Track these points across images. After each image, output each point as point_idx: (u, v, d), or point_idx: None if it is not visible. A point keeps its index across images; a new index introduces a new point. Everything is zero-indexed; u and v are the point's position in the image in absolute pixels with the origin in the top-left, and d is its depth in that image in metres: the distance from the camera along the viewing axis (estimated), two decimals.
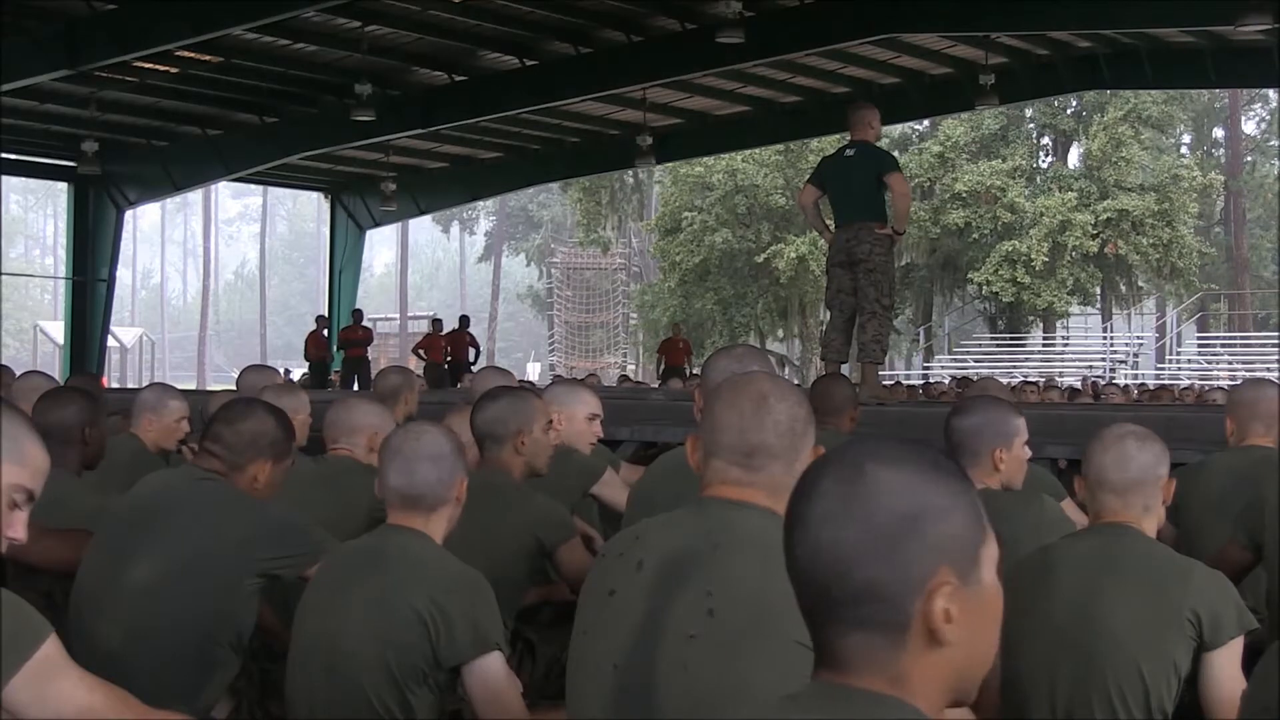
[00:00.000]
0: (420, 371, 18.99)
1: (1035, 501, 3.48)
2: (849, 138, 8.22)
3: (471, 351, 20.61)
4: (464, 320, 21.27)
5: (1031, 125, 33.44)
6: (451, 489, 2.85)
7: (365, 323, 21.94)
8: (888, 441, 1.42)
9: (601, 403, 4.53)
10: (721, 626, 2.08)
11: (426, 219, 40.93)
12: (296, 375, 22.24)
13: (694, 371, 18.84)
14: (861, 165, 7.87)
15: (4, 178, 24.74)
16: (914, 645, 1.33)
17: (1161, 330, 33.52)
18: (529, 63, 16.39)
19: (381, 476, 2.86)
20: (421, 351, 20.81)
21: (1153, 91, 28.36)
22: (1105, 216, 29.92)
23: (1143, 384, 22.00)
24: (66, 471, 3.72)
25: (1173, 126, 35.24)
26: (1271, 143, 41.33)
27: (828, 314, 8.28)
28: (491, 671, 2.68)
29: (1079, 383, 20.52)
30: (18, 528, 2.10)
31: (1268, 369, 24.80)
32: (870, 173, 7.83)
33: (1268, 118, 42.42)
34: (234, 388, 6.08)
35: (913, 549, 1.33)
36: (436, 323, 22.03)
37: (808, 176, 8.51)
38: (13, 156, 21.08)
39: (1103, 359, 30.87)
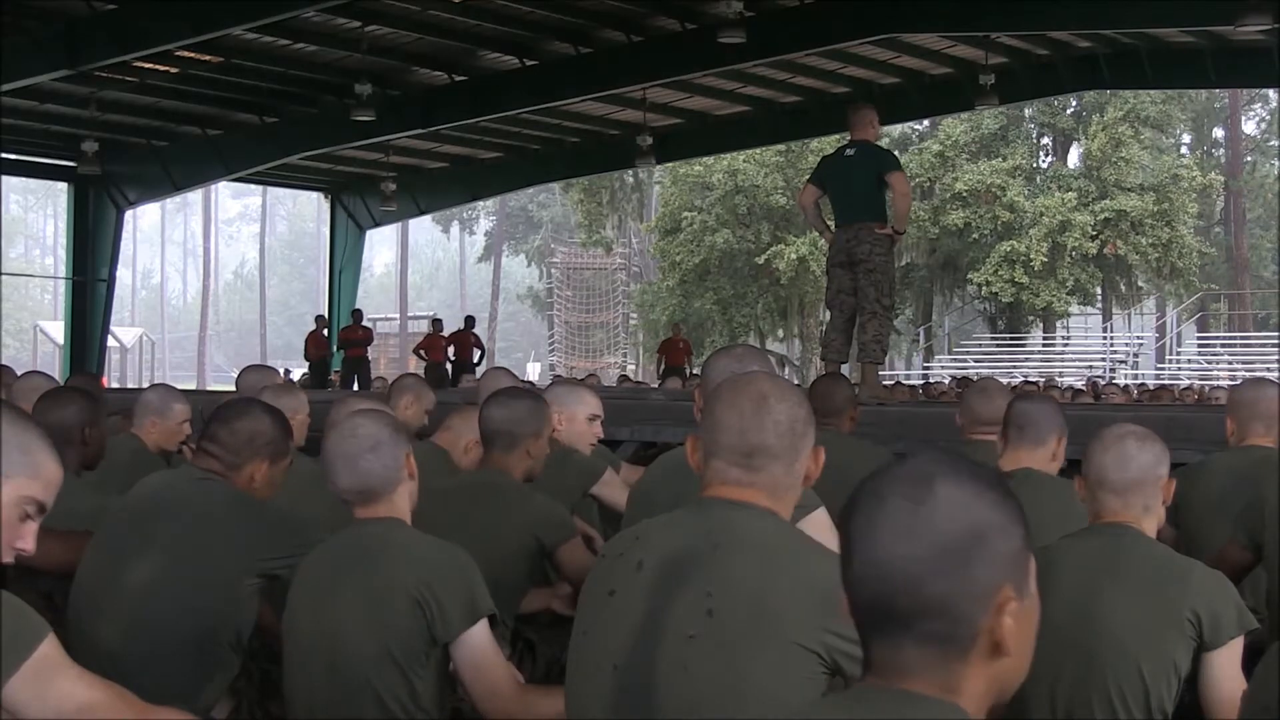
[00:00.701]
0: (421, 371, 18.98)
1: (1069, 486, 3.55)
2: (849, 137, 8.21)
3: (476, 352, 20.61)
4: (469, 321, 21.27)
5: (1031, 125, 33.43)
6: (400, 469, 2.86)
7: (365, 323, 21.94)
8: (947, 458, 1.45)
9: (602, 403, 4.54)
10: (721, 627, 2.08)
11: (426, 219, 40.91)
12: (296, 375, 22.24)
13: (694, 371, 18.84)
14: (862, 165, 7.86)
15: (4, 178, 24.75)
16: (975, 658, 1.38)
17: (1161, 330, 33.50)
18: (529, 63, 16.38)
19: (330, 480, 2.88)
20: (422, 352, 20.81)
21: (1152, 91, 28.35)
22: (1104, 216, 29.91)
23: (1142, 384, 22.00)
24: (66, 472, 3.71)
25: (1172, 126, 35.21)
26: (1271, 143, 41.33)
27: (828, 314, 8.27)
28: (478, 641, 2.71)
29: (1081, 383, 20.52)
30: (28, 539, 2.12)
31: (1268, 369, 24.78)
32: (871, 172, 7.82)
33: (1268, 118, 42.42)
34: (234, 388, 6.06)
35: (982, 566, 1.37)
36: (437, 322, 22.03)
37: (808, 176, 8.48)
38: (13, 156, 21.07)
39: (1103, 359, 30.86)
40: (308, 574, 2.87)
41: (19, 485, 2.11)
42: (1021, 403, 3.88)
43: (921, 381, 22.10)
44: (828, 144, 21.95)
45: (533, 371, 39.74)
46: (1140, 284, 33.11)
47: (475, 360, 20.41)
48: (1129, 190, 30.39)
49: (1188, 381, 23.94)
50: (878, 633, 1.39)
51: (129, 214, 23.68)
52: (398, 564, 2.72)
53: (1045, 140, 34.49)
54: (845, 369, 8.11)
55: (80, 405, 3.88)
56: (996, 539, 1.38)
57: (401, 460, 2.87)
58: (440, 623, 2.68)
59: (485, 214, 55.81)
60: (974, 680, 1.39)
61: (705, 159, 28.65)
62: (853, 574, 1.40)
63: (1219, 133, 42.94)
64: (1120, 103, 30.31)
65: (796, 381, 22.34)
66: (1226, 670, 2.74)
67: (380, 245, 65.30)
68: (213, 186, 45.18)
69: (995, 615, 1.37)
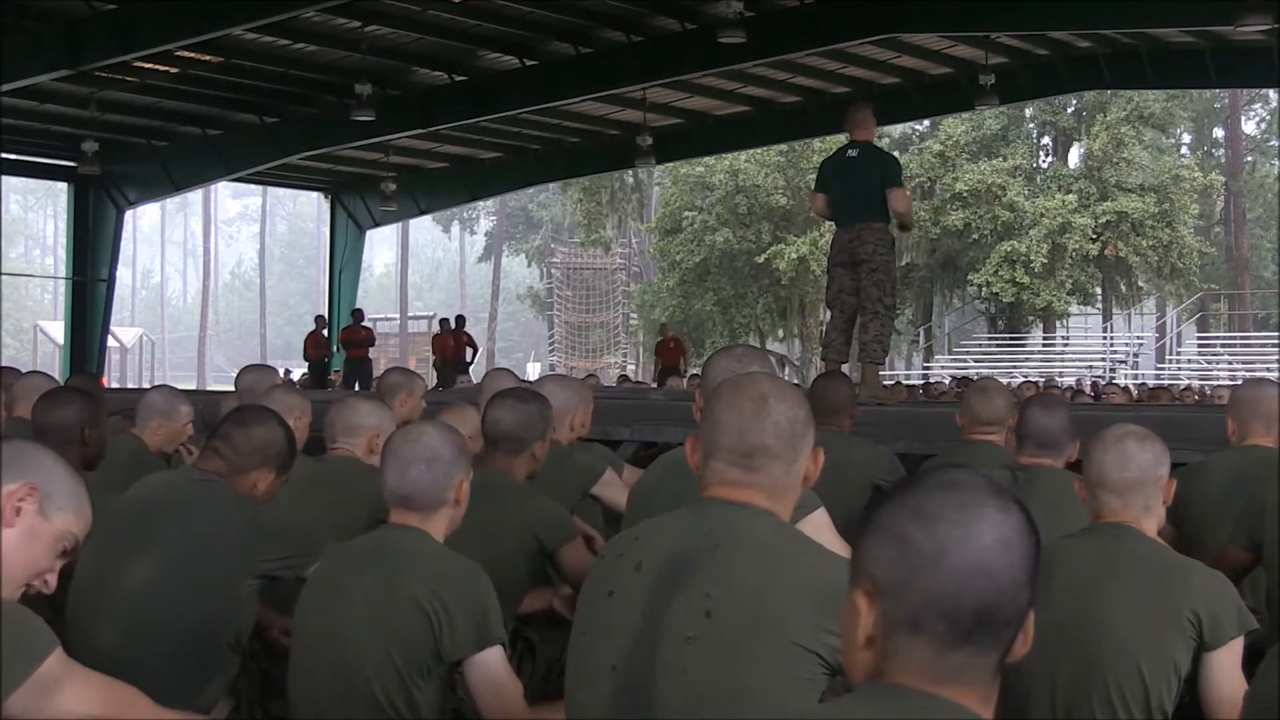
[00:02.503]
0: (424, 371, 18.96)
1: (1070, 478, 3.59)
2: (849, 137, 8.20)
3: (469, 351, 20.62)
4: (460, 320, 21.26)
5: (1032, 125, 33.40)
6: (447, 490, 2.85)
7: (365, 323, 21.93)
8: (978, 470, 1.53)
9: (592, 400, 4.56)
10: (720, 628, 2.08)
11: (426, 219, 40.89)
12: (296, 375, 22.23)
13: (693, 371, 18.84)
14: (865, 166, 7.86)
15: (4, 178, 24.74)
16: (1001, 666, 1.44)
17: (1161, 330, 33.50)
18: (529, 63, 16.38)
19: (381, 476, 2.89)
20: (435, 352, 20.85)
21: (1153, 91, 28.35)
22: (1105, 219, 29.89)
23: (1142, 384, 21.98)
24: None
25: (1173, 126, 35.17)
26: (1271, 143, 41.31)
27: (828, 314, 8.26)
28: (493, 666, 2.69)
29: (1086, 383, 20.49)
30: (54, 575, 2.25)
31: (1268, 369, 24.78)
32: (874, 174, 7.83)
33: (1268, 118, 42.40)
34: (233, 388, 6.05)
35: (1035, 582, 1.44)
36: (444, 322, 22.00)
37: (815, 185, 8.42)
38: (13, 156, 21.07)
39: (1103, 359, 30.85)
40: (323, 572, 2.88)
41: (68, 520, 2.24)
42: (1039, 416, 3.91)
43: (921, 381, 22.09)
44: (829, 144, 21.91)
45: (533, 371, 39.71)
46: (1140, 284, 33.11)
47: (469, 359, 20.44)
48: (1130, 191, 30.37)
49: (1186, 381, 23.92)
50: (967, 640, 1.40)
51: (129, 214, 23.67)
52: (412, 572, 2.71)
53: (1045, 140, 34.47)
54: (845, 369, 8.11)
55: (80, 405, 3.88)
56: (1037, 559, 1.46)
57: (453, 482, 2.85)
58: (449, 638, 2.66)
59: (485, 214, 55.81)
60: (996, 689, 1.44)
61: (706, 159, 28.65)
62: (948, 583, 1.40)
63: (1219, 133, 42.93)
64: (1122, 102, 30.29)
65: (796, 382, 22.33)
66: (1226, 670, 2.74)
67: (380, 245, 65.30)
68: (212, 186, 45.18)
69: (1025, 627, 1.44)
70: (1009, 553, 1.41)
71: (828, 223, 8.29)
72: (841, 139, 8.43)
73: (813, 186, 8.34)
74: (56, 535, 2.23)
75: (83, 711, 2.17)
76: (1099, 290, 32.85)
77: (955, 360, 31.22)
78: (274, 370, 6.54)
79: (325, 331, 21.27)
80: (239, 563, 3.02)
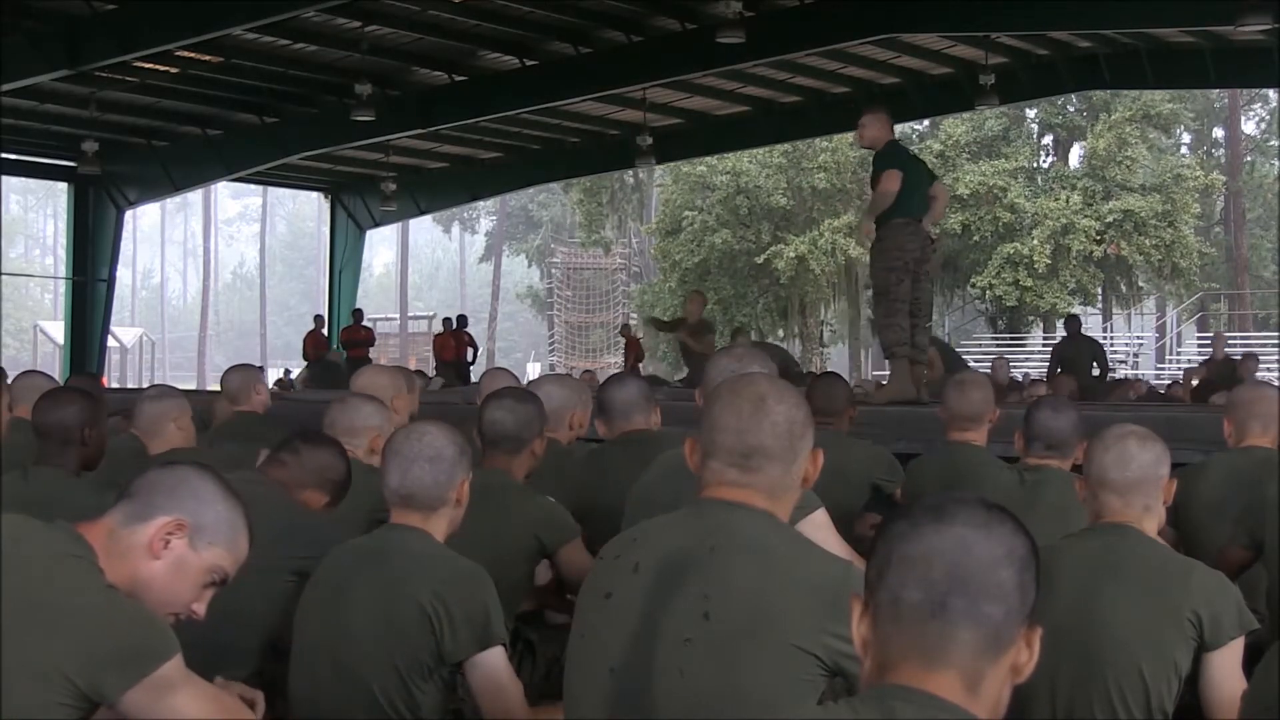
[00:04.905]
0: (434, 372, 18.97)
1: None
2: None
3: (470, 351, 20.62)
4: (461, 320, 21.25)
5: (1034, 125, 33.35)
6: (449, 490, 2.85)
7: (365, 322, 21.92)
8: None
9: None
10: (717, 630, 2.08)
11: (426, 219, 40.87)
12: (295, 375, 22.23)
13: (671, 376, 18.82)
14: (922, 166, 7.91)
15: (4, 178, 24.73)
16: (1002, 664, 1.48)
17: (1161, 330, 33.48)
18: (529, 63, 16.37)
19: (382, 475, 2.90)
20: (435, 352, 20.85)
21: (1157, 91, 28.32)
22: (1110, 218, 29.85)
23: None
24: (65, 471, 3.73)
25: (1178, 125, 35.12)
26: (1271, 143, 41.24)
27: (898, 314, 7.74)
28: (494, 666, 2.70)
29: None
30: (202, 605, 2.38)
31: (1268, 369, 24.77)
32: (928, 174, 7.86)
33: (1268, 118, 42.34)
34: (220, 388, 6.06)
35: (1030, 584, 1.49)
36: (446, 321, 21.97)
37: (891, 162, 7.80)
38: (13, 156, 21.04)
39: None
40: (325, 572, 2.87)
41: (218, 555, 2.37)
42: (1047, 417, 3.81)
43: None
44: (831, 144, 21.90)
45: (533, 371, 39.70)
46: (1140, 284, 33.08)
47: (470, 360, 20.44)
48: (1133, 190, 30.32)
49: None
50: (944, 608, 1.46)
51: (129, 214, 23.65)
52: (414, 574, 2.71)
53: (1046, 140, 34.43)
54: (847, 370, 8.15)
55: (80, 405, 3.88)
56: (1036, 576, 1.51)
57: (455, 482, 2.87)
58: (450, 639, 2.66)
59: (485, 214, 55.78)
60: (992, 684, 1.47)
61: (708, 159, 28.62)
62: (921, 547, 1.48)
63: (1219, 133, 42.89)
64: (1128, 101, 30.22)
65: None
66: (1227, 670, 2.74)
67: (380, 245, 65.26)
68: (213, 186, 45.16)
69: (1025, 639, 1.49)
70: (986, 535, 1.48)
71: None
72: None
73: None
74: (204, 569, 2.35)
75: (193, 713, 2.25)
76: (1099, 290, 32.83)
77: None
78: (259, 369, 6.56)
79: (325, 331, 21.26)
80: (276, 559, 3.01)
